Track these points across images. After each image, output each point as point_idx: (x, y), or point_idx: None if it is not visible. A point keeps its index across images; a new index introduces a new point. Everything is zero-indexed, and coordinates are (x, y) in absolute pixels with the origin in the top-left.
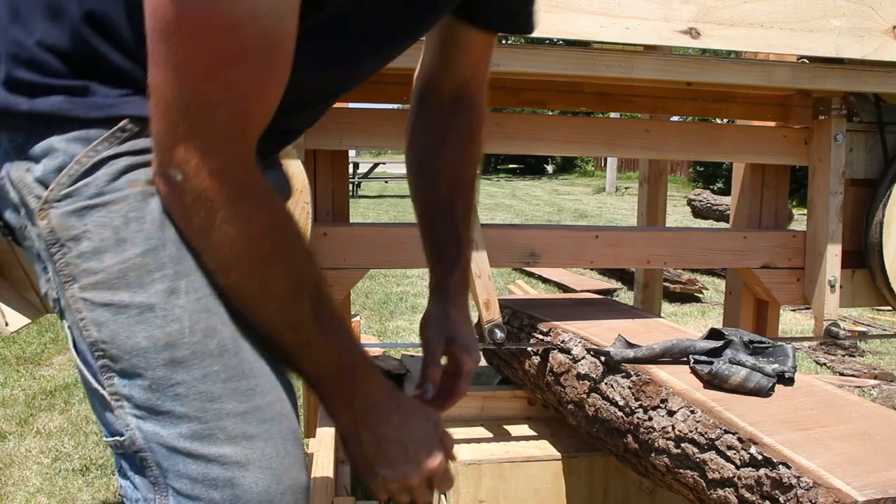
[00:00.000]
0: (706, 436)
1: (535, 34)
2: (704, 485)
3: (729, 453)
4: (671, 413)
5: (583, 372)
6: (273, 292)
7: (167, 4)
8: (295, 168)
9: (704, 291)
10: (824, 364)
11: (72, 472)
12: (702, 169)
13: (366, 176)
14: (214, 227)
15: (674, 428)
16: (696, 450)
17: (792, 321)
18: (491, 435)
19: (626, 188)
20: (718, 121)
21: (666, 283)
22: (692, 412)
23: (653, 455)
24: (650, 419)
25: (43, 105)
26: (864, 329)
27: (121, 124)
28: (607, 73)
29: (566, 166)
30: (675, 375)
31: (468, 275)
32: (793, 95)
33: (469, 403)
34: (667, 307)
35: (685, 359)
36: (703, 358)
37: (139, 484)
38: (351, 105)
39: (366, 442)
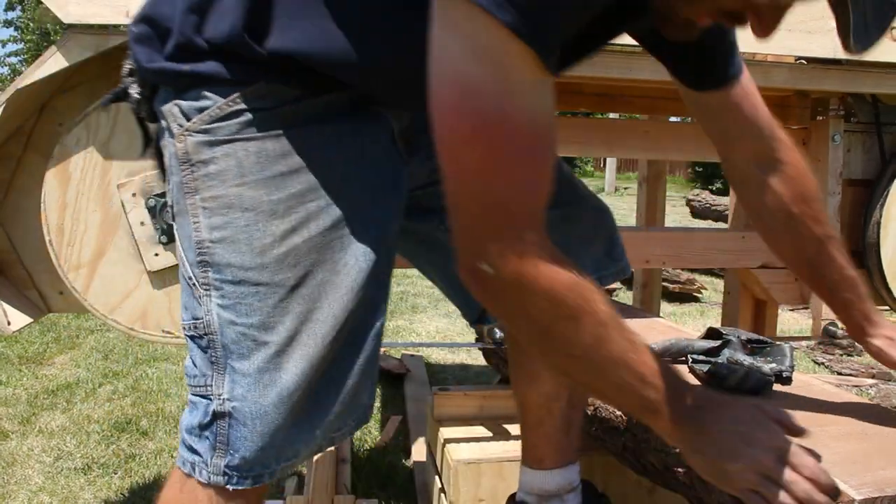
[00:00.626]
0: None
1: None
2: (702, 484)
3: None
4: None
5: None
6: (586, 340)
7: (458, 120)
8: None
9: (703, 291)
10: (822, 363)
11: (74, 471)
12: (700, 169)
13: None
14: (527, 302)
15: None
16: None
17: (790, 321)
18: (490, 434)
19: (625, 188)
20: None
21: (665, 283)
22: None
23: (651, 454)
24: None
25: (201, 67)
26: None
27: (253, 87)
28: (607, 74)
29: None
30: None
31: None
32: (791, 96)
33: (468, 402)
34: (666, 307)
35: (683, 358)
36: (702, 357)
37: (200, 361)
38: None
39: (705, 446)
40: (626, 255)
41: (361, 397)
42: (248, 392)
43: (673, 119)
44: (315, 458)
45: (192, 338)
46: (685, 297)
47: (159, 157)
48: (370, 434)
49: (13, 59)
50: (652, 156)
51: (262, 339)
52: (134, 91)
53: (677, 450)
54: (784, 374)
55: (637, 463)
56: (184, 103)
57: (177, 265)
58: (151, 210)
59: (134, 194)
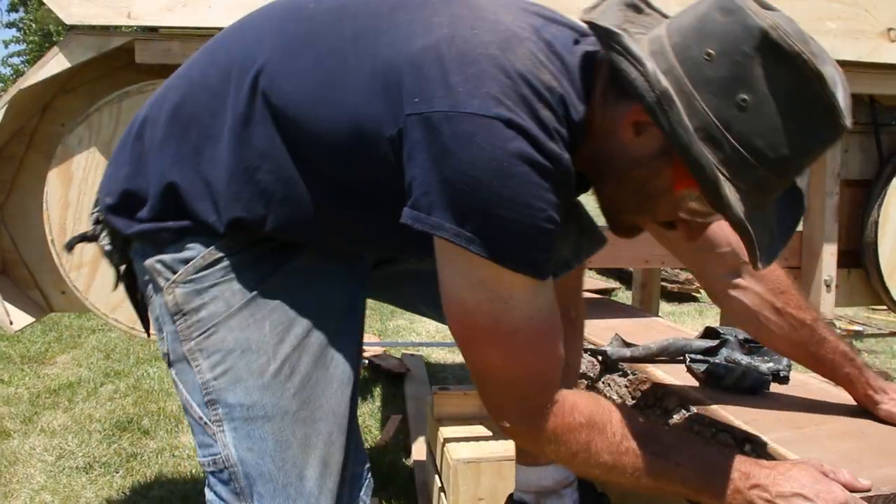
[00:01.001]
0: (702, 434)
1: None
2: None
3: (724, 452)
4: (667, 412)
5: (580, 371)
6: (605, 462)
7: (463, 331)
8: None
9: (702, 291)
10: None
11: (75, 469)
12: None
13: None
14: (543, 447)
15: (669, 426)
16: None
17: None
18: (490, 433)
19: None
20: None
21: (664, 283)
22: (687, 410)
23: None
24: (647, 418)
25: (182, 223)
26: (859, 328)
27: (230, 236)
28: None
29: None
30: (671, 374)
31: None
32: None
33: (468, 402)
34: (665, 306)
35: (681, 358)
36: (700, 357)
37: (225, 494)
38: None
39: None
40: (624, 254)
41: (360, 473)
42: None
43: None
44: None
45: (212, 473)
46: (684, 296)
47: (132, 294)
48: (370, 434)
49: (16, 60)
50: None
51: (280, 458)
52: (105, 243)
53: None
54: (781, 374)
55: None
56: (167, 257)
57: None
58: None
59: None
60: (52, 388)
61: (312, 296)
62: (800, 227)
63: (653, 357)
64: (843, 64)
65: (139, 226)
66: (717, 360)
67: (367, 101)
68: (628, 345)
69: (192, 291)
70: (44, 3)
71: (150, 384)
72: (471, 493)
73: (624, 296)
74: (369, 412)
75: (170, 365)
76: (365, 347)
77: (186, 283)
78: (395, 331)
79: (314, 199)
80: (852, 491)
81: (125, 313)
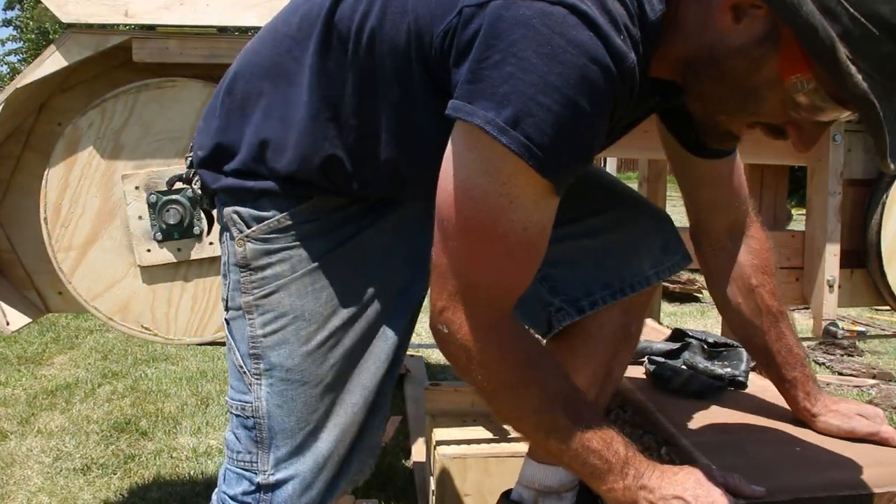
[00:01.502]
0: (630, 435)
1: None
2: None
3: (650, 455)
4: (608, 412)
5: None
6: (529, 409)
7: (455, 216)
8: None
9: (703, 291)
10: (823, 364)
11: (73, 471)
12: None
13: None
14: (472, 369)
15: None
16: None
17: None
18: (478, 430)
19: None
20: None
21: (665, 283)
22: (624, 412)
23: None
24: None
25: (264, 184)
26: (862, 329)
27: (307, 203)
28: None
29: None
30: (629, 375)
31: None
32: None
33: (458, 398)
34: (666, 307)
35: (642, 360)
36: (659, 359)
37: (244, 439)
38: None
39: None
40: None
41: (377, 443)
42: (290, 464)
43: None
44: None
45: (237, 416)
46: (685, 297)
47: (210, 221)
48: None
49: (12, 59)
50: (652, 155)
51: (304, 419)
52: (196, 187)
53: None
54: (737, 379)
55: None
56: (244, 210)
57: (167, 264)
58: (152, 206)
59: (137, 187)
60: (50, 389)
61: (372, 273)
62: (802, 227)
63: None
64: None
65: (224, 181)
66: (664, 363)
67: (426, 3)
68: None
69: (261, 250)
70: (40, 2)
71: (147, 385)
72: (457, 488)
73: None
74: None
75: (226, 309)
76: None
77: (258, 241)
78: None
79: (387, 132)
80: (741, 496)
81: (105, 303)
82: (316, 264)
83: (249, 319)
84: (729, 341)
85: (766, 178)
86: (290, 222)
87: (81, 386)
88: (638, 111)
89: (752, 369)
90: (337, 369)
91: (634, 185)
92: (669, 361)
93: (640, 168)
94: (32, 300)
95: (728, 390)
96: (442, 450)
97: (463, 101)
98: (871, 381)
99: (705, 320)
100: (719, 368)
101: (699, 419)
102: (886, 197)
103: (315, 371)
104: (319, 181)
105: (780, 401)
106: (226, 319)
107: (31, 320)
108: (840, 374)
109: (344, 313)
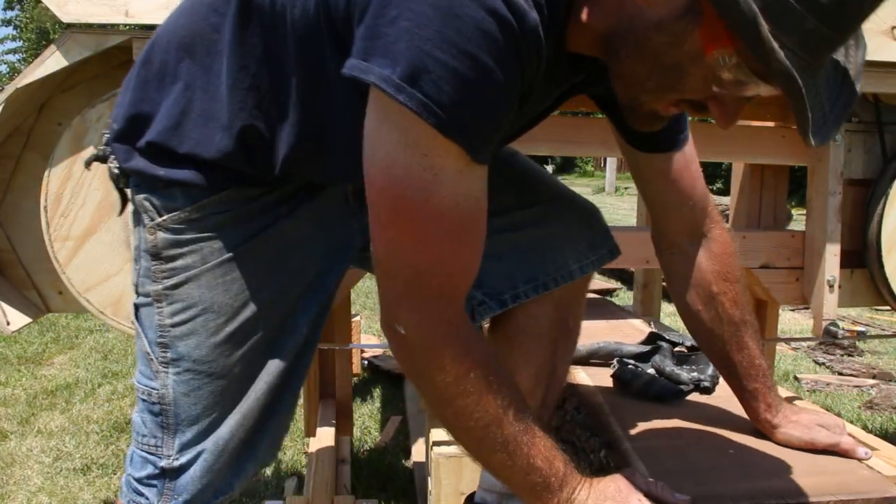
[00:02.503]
0: (580, 437)
1: None
2: None
3: (591, 456)
4: (565, 413)
5: None
6: (482, 422)
7: (389, 198)
8: None
9: None
10: (823, 364)
11: (73, 471)
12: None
13: None
14: (431, 372)
15: (560, 429)
16: (573, 451)
17: (791, 321)
18: None
19: (625, 188)
20: None
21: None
22: (578, 413)
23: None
24: (552, 419)
25: (176, 174)
26: (862, 329)
27: (222, 193)
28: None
29: (566, 166)
30: (594, 377)
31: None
32: None
33: None
34: (666, 307)
35: (611, 362)
36: (630, 362)
37: (150, 423)
38: None
39: None
40: (626, 254)
41: (285, 431)
42: (193, 448)
43: None
44: (315, 458)
45: (144, 401)
46: None
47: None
48: (370, 434)
49: (12, 58)
50: None
51: (210, 407)
52: (113, 165)
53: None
54: (703, 384)
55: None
56: (156, 199)
57: None
58: None
59: None
60: (50, 389)
61: (286, 264)
62: (802, 227)
63: (585, 359)
64: None
65: (136, 161)
66: (641, 366)
67: None
68: None
69: (172, 240)
70: (40, 1)
71: None
72: (452, 487)
73: (625, 296)
74: (369, 413)
75: (136, 294)
76: (365, 348)
77: (169, 231)
78: None
79: (302, 101)
80: (662, 503)
81: (98, 296)
82: (227, 256)
83: (158, 308)
84: None
85: (766, 178)
86: (200, 214)
87: (81, 386)
88: (560, 88)
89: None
90: (245, 361)
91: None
92: (638, 364)
93: None
94: (32, 300)
95: (693, 395)
96: (438, 449)
97: (358, 58)
98: (871, 381)
99: None
100: (686, 373)
101: (651, 423)
102: (887, 196)
103: (223, 362)
104: (238, 163)
105: (741, 408)
106: (135, 304)
107: (31, 320)
108: (840, 374)
109: (255, 305)
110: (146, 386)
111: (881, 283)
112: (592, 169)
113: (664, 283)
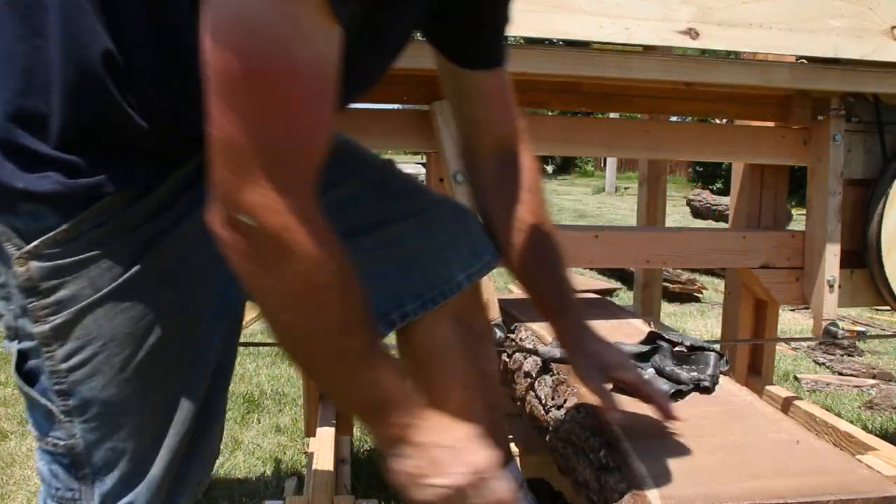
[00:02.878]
0: (579, 437)
1: (535, 34)
2: (576, 487)
3: (591, 456)
4: (566, 412)
5: (526, 370)
6: (331, 321)
7: (234, 59)
8: None
9: (704, 291)
10: (823, 364)
11: None
12: (701, 169)
13: None
14: (285, 264)
15: (559, 429)
16: (572, 450)
17: (791, 321)
18: None
19: (625, 188)
20: (717, 121)
21: (665, 283)
22: (578, 413)
23: (556, 454)
24: (553, 418)
25: (40, 185)
26: (862, 329)
27: (98, 203)
28: (607, 74)
29: (566, 166)
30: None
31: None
32: (791, 96)
33: None
34: (666, 307)
35: None
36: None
37: (63, 475)
38: (350, 105)
39: (412, 455)
40: (626, 254)
41: (214, 452)
42: (119, 496)
43: (673, 119)
44: (315, 458)
45: (50, 453)
46: (686, 297)
47: None
48: (370, 434)
49: None
50: (652, 155)
51: (130, 448)
52: None
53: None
54: (702, 384)
55: (559, 462)
56: (20, 223)
57: None
58: None
59: None
60: None
61: (189, 275)
62: (802, 227)
63: None
64: (847, 63)
65: None
66: (641, 366)
67: None
68: None
69: (49, 268)
70: None
71: None
72: None
73: (625, 296)
74: None
75: (13, 339)
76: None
77: (43, 258)
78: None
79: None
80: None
81: None
82: (121, 276)
83: (48, 352)
84: (703, 345)
85: (766, 179)
86: (81, 228)
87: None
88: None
89: (722, 373)
90: (161, 391)
91: (634, 185)
92: (638, 364)
93: (641, 168)
94: None
95: (693, 395)
96: None
97: None
98: (871, 381)
99: (705, 320)
100: (685, 373)
101: (651, 423)
102: (887, 196)
103: (137, 397)
104: (102, 123)
105: (742, 407)
106: (18, 352)
107: None
108: (840, 374)
109: (162, 328)
110: (50, 437)
111: (881, 283)
112: (592, 169)
113: (664, 284)
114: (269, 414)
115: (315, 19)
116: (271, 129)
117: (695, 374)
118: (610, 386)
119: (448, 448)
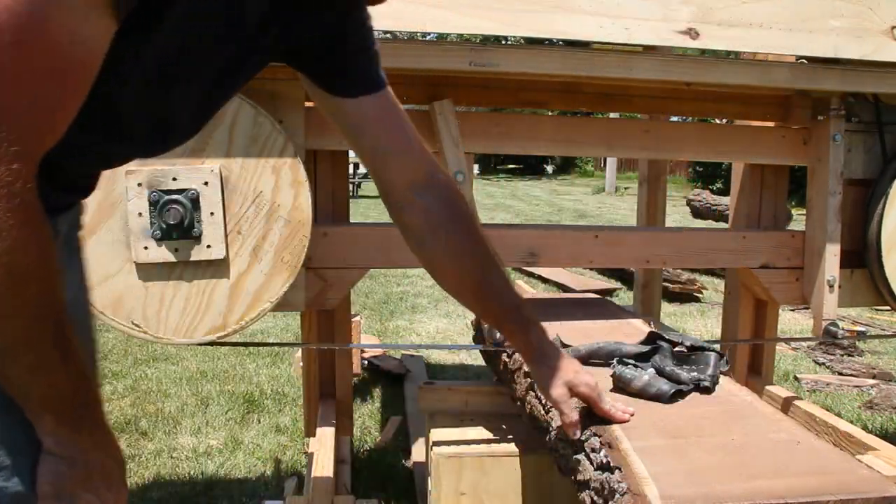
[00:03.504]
0: (576, 437)
1: (535, 34)
2: (576, 487)
3: (592, 456)
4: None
5: (527, 370)
6: (22, 307)
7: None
8: (302, 200)
9: (704, 291)
10: (823, 364)
11: None
12: (701, 169)
13: (366, 176)
14: None
15: (560, 428)
16: (573, 450)
17: (791, 321)
18: (475, 430)
19: (625, 188)
20: (717, 121)
21: (665, 283)
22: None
23: (556, 454)
24: (553, 418)
25: None
26: (862, 329)
27: None
28: (607, 74)
29: (566, 166)
30: (594, 377)
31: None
32: (792, 96)
33: (452, 397)
34: (666, 307)
35: (611, 362)
36: (630, 361)
37: None
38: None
39: (82, 463)
40: (626, 254)
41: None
42: None
43: (673, 119)
44: (315, 458)
45: None
46: (686, 297)
47: None
48: (370, 434)
49: None
50: (652, 155)
51: None
52: None
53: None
54: (702, 384)
55: (558, 463)
56: None
57: (163, 263)
58: (153, 204)
59: (139, 184)
60: None
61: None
62: (802, 227)
63: (583, 360)
64: (847, 63)
65: None
66: (641, 366)
67: None
68: (565, 346)
69: None
70: None
71: (147, 385)
72: (452, 487)
73: (625, 296)
74: (369, 413)
75: None
76: (365, 348)
77: None
78: (394, 331)
79: None
80: None
81: (97, 297)
82: None
83: None
84: (703, 345)
85: (766, 178)
86: None
87: None
88: (244, 28)
89: (723, 373)
90: None
91: (634, 185)
92: (638, 364)
93: (641, 168)
94: None
95: (693, 395)
96: (438, 449)
97: None
98: (871, 381)
99: (705, 320)
100: (686, 373)
101: (652, 423)
102: (887, 196)
103: None
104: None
105: (743, 407)
106: None
107: None
108: (840, 374)
109: None
110: None
111: (881, 282)
112: (592, 169)
113: (664, 284)
114: (269, 414)
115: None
116: (9, 95)
117: (695, 374)
118: (574, 401)
119: (111, 469)
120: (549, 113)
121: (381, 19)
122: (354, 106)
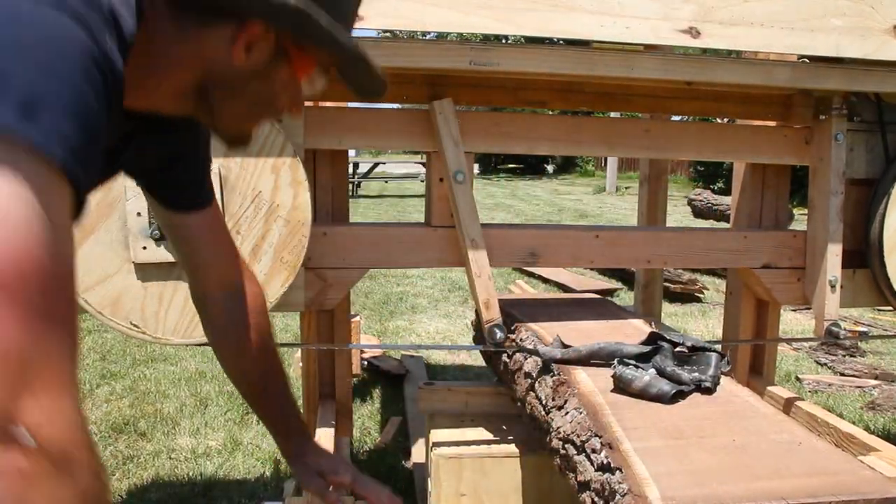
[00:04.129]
0: (580, 438)
1: (535, 33)
2: (577, 487)
3: (592, 456)
4: (567, 413)
5: (527, 371)
6: None
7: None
8: (301, 200)
9: (705, 291)
10: (825, 364)
11: None
12: (702, 169)
13: (366, 176)
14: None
15: (560, 429)
16: (574, 451)
17: (793, 321)
18: (475, 430)
19: (626, 188)
20: (719, 120)
21: (666, 283)
22: (579, 413)
23: (557, 454)
24: (553, 419)
25: None
26: (864, 329)
27: None
28: (607, 73)
29: (566, 166)
30: (594, 377)
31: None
32: (793, 95)
33: (452, 398)
34: (667, 307)
35: (612, 362)
36: (631, 362)
37: None
38: (351, 105)
39: None
40: (627, 254)
41: None
42: None
43: (674, 118)
44: None
45: None
46: (687, 297)
47: None
48: (370, 435)
49: None
50: (653, 155)
51: None
52: None
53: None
54: (703, 384)
55: (560, 463)
56: None
57: (161, 263)
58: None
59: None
60: None
61: None
62: (804, 227)
63: (584, 360)
64: (849, 62)
65: None
66: (642, 367)
67: None
68: (566, 346)
69: None
70: None
71: (146, 386)
72: (453, 488)
73: (626, 296)
74: (368, 414)
75: None
76: (365, 348)
77: None
78: (394, 332)
79: None
80: None
81: (96, 296)
82: None
83: None
84: (704, 345)
85: (767, 178)
86: None
87: (80, 386)
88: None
89: (724, 374)
90: None
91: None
92: (639, 364)
93: (642, 167)
94: None
95: (693, 395)
96: (438, 450)
97: None
98: (874, 382)
99: (706, 320)
100: (686, 373)
101: (651, 423)
102: (889, 196)
103: None
104: None
105: (744, 408)
106: None
107: None
108: (842, 374)
109: None
110: None
111: (883, 283)
112: (593, 169)
113: (665, 284)
114: None
115: (27, 203)
116: (20, 332)
117: (696, 374)
118: (330, 487)
119: None
120: (550, 112)
121: (380, 18)
122: (184, 219)
